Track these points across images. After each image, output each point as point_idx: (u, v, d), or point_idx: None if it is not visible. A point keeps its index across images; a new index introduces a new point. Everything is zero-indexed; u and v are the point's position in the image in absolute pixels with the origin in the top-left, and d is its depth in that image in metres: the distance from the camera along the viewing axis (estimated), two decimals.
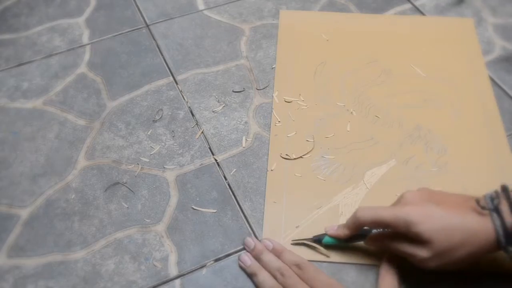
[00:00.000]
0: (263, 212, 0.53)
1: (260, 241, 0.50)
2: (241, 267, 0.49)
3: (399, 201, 0.45)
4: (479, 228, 0.41)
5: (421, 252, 0.42)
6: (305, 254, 0.49)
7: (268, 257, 0.48)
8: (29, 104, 0.63)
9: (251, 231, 0.52)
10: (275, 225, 0.52)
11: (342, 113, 0.61)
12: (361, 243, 0.49)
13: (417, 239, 0.42)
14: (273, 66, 0.67)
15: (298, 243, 0.50)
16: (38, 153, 0.58)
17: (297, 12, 0.74)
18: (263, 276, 0.47)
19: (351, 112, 0.61)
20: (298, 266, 0.47)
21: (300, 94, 0.63)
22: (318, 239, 0.49)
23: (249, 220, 0.53)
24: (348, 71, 0.66)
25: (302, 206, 0.53)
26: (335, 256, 0.49)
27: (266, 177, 0.55)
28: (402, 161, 0.57)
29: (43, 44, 0.70)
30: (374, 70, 0.66)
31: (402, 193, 0.45)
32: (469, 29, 0.71)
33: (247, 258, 0.49)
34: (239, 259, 0.49)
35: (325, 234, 0.49)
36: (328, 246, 0.50)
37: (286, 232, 0.51)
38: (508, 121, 0.60)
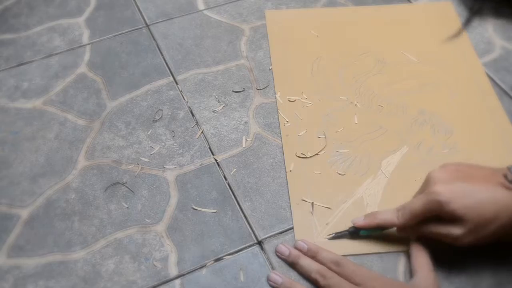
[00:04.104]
0: (292, 214, 0.53)
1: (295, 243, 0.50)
2: (272, 287, 0.48)
3: (427, 182, 0.46)
4: (509, 201, 0.42)
5: (454, 230, 0.43)
6: (338, 249, 0.50)
7: (306, 261, 0.47)
8: (29, 104, 0.63)
9: (251, 231, 0.52)
10: (305, 226, 0.52)
11: (346, 106, 0.62)
12: (392, 230, 0.49)
13: (450, 218, 0.43)
14: (270, 68, 0.67)
15: (335, 237, 0.50)
16: (38, 153, 0.58)
17: (282, 11, 0.75)
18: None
19: (355, 104, 0.62)
20: (336, 263, 0.47)
21: (302, 92, 0.63)
22: (355, 232, 0.49)
23: (249, 220, 0.53)
24: (343, 65, 0.67)
25: (328, 202, 0.53)
26: (349, 248, 0.50)
27: (286, 178, 0.55)
28: (413, 146, 0.58)
29: (43, 44, 0.70)
30: (368, 61, 0.67)
31: (428, 173, 0.46)
32: (450, 11, 0.74)
33: (276, 277, 0.47)
34: (268, 280, 0.48)
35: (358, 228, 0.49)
36: (364, 236, 0.50)
37: (317, 231, 0.51)
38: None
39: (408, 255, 0.49)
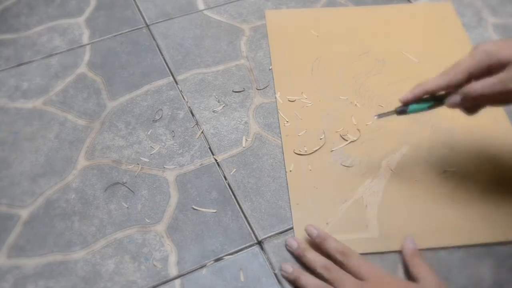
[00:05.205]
0: (292, 213, 0.53)
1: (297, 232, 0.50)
2: (282, 276, 0.48)
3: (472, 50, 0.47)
4: None
5: (510, 74, 0.43)
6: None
7: (313, 255, 0.48)
8: (29, 104, 0.63)
9: (251, 231, 0.52)
10: (305, 226, 0.51)
11: (346, 106, 0.62)
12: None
13: (501, 66, 0.43)
14: (270, 67, 0.67)
15: (382, 116, 0.49)
16: (38, 153, 0.58)
17: (282, 11, 0.75)
18: (306, 279, 0.47)
19: (355, 104, 0.62)
20: (342, 253, 0.47)
21: (302, 92, 0.63)
22: (403, 110, 0.48)
23: (249, 220, 0.53)
24: (343, 65, 0.67)
25: (328, 202, 0.53)
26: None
27: (286, 178, 0.55)
28: (413, 146, 0.58)
29: (43, 44, 0.70)
30: (368, 61, 0.67)
31: (474, 46, 0.47)
32: (449, 11, 0.74)
33: (288, 266, 0.48)
34: (281, 268, 0.48)
35: (408, 104, 0.48)
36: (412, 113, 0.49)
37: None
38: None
39: (404, 264, 0.48)
